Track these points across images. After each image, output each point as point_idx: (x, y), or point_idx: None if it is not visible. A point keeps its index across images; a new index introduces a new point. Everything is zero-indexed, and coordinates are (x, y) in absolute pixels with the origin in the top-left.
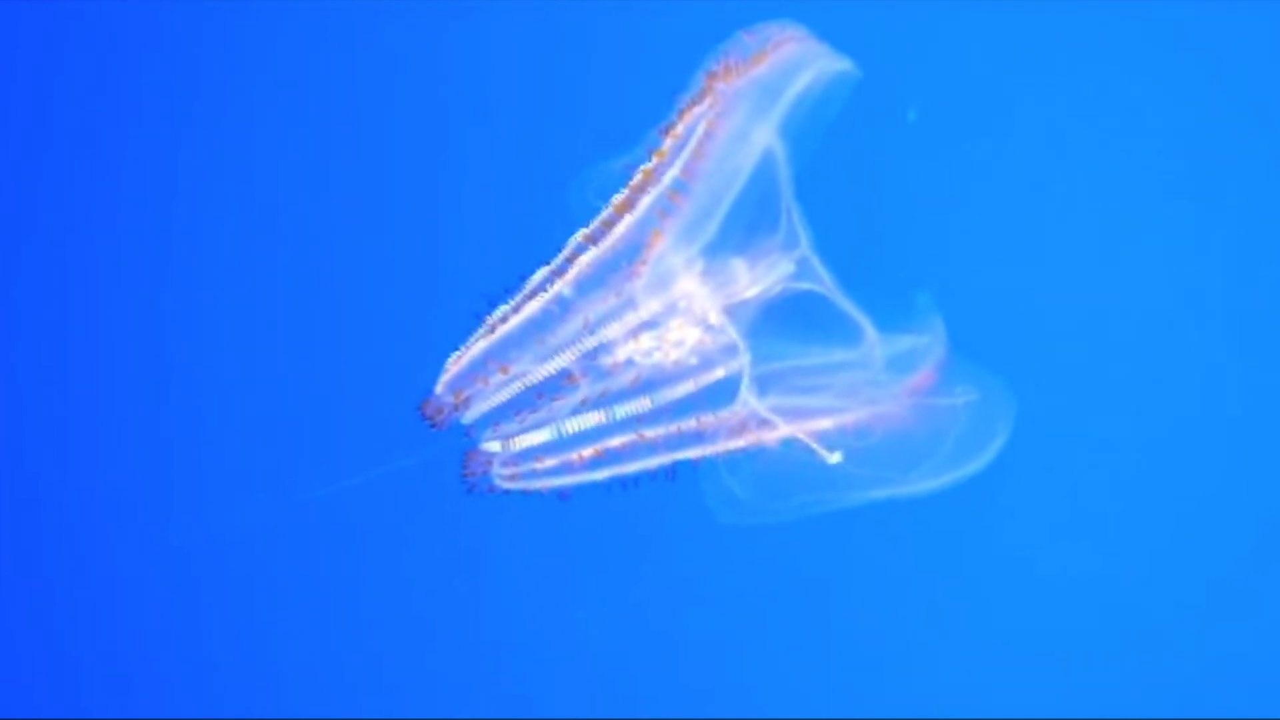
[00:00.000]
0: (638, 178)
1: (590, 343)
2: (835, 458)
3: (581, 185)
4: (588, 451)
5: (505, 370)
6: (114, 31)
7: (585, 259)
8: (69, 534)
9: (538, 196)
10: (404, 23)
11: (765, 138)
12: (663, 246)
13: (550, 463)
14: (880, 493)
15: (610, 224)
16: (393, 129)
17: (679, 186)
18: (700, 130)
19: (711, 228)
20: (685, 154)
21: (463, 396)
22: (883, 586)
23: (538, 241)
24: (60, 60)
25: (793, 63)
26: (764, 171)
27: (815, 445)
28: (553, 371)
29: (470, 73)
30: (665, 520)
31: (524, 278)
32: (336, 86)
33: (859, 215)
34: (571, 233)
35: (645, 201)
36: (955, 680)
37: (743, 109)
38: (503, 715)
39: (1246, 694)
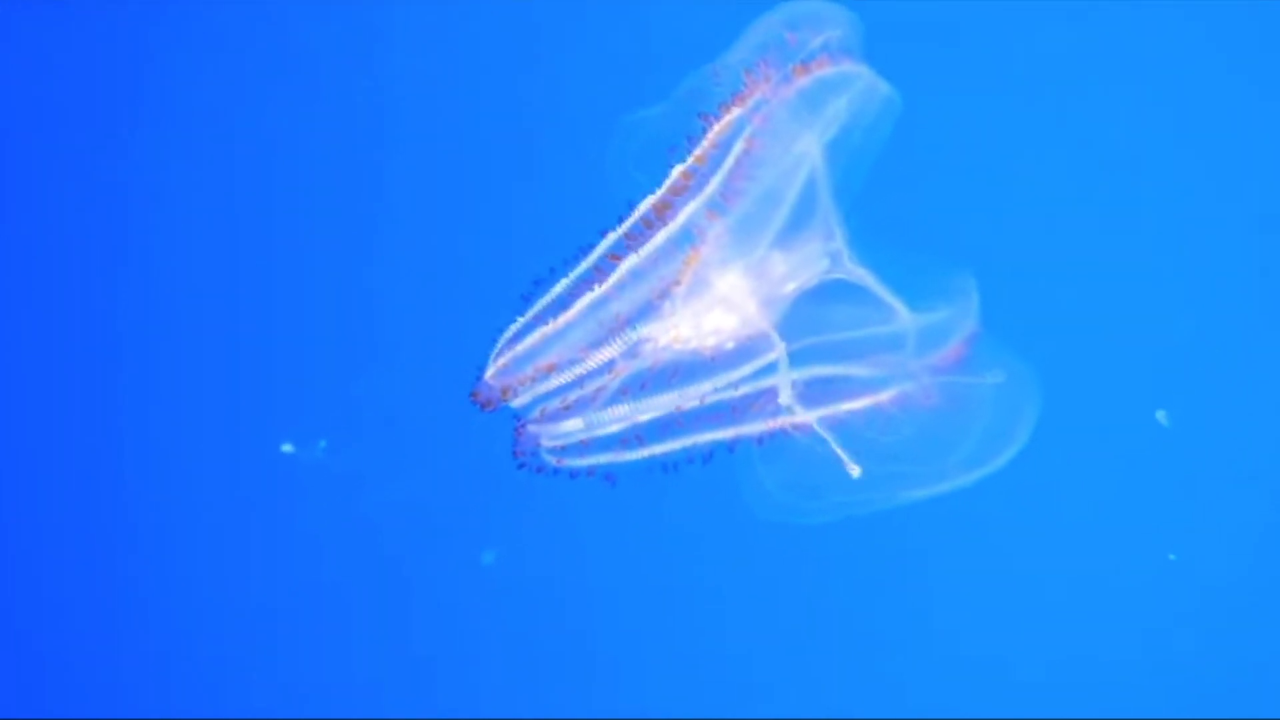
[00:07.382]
0: (677, 179)
1: (631, 335)
2: (855, 471)
3: (619, 144)
4: (630, 430)
5: (550, 367)
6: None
7: (625, 265)
8: (115, 520)
9: (574, 159)
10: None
11: (809, 152)
12: (704, 260)
13: (593, 441)
14: (914, 492)
15: (650, 225)
16: (427, 106)
17: (718, 207)
18: (740, 147)
19: (756, 248)
20: (725, 171)
21: (510, 385)
22: (909, 583)
23: (578, 211)
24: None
25: (835, 82)
26: (806, 181)
27: (840, 452)
28: (596, 363)
29: (497, 45)
30: (702, 517)
31: (564, 257)
32: (375, 75)
33: (893, 200)
34: (611, 200)
35: (683, 215)
36: (976, 678)
37: (785, 127)
38: (520, 709)
39: None
